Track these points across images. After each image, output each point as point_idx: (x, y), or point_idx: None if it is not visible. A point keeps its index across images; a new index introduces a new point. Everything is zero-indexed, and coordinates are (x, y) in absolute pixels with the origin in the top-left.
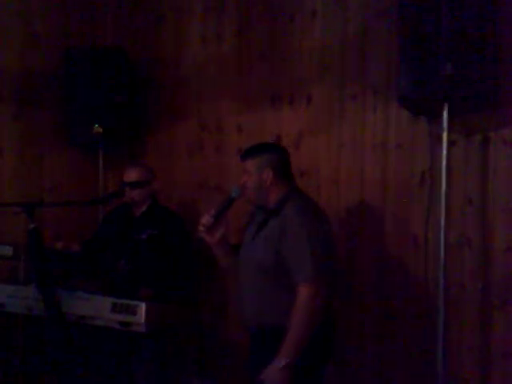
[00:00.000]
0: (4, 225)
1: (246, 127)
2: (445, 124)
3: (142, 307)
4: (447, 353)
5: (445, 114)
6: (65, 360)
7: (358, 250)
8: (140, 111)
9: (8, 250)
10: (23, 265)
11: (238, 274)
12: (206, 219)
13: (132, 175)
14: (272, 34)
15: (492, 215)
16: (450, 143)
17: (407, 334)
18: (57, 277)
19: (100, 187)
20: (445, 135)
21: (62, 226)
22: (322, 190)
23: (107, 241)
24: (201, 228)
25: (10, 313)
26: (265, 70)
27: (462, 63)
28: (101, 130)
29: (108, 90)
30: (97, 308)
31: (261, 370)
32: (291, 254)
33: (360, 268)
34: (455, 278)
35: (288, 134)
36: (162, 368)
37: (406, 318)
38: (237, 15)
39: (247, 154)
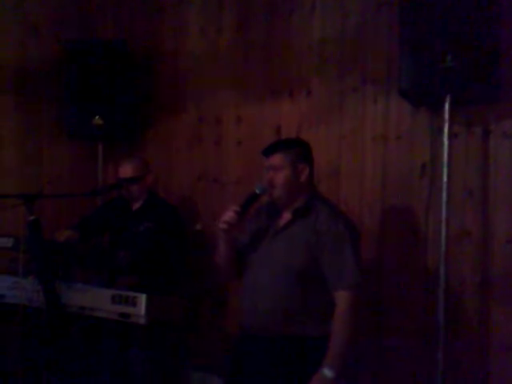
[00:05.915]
0: (4, 216)
1: (246, 119)
2: (446, 116)
3: (142, 299)
4: (447, 346)
5: (446, 106)
6: (61, 353)
7: None
8: (139, 103)
9: (8, 242)
10: (23, 256)
11: (248, 274)
12: (230, 216)
13: (128, 171)
14: (272, 25)
15: (493, 208)
16: (451, 135)
17: (407, 328)
18: (56, 268)
19: (99, 179)
20: (446, 127)
21: (61, 217)
22: (321, 182)
23: (99, 227)
24: (223, 225)
25: (10, 304)
26: (264, 62)
27: (463, 55)
28: (101, 121)
29: (107, 82)
30: (97, 299)
31: (279, 380)
32: (332, 260)
33: None
34: (456, 270)
35: (288, 127)
36: (161, 360)
37: (405, 312)
38: (236, 7)
39: (276, 147)
